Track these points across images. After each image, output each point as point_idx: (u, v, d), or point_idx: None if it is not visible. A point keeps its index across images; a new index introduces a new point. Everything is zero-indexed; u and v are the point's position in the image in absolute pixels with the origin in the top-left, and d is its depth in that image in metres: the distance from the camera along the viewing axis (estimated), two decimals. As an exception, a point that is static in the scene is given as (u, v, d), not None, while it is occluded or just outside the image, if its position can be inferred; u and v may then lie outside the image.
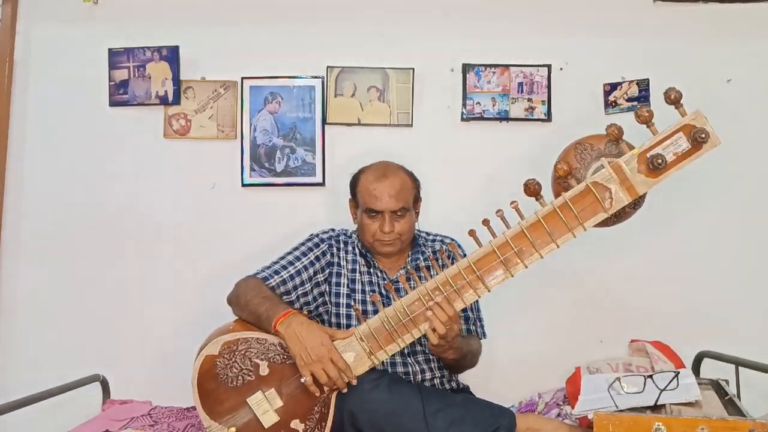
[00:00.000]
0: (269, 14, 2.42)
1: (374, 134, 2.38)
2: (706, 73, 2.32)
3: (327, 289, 1.94)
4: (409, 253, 2.01)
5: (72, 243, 2.40)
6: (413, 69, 2.38)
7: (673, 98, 1.55)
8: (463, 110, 2.38)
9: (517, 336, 2.33)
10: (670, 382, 1.68)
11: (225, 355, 1.71)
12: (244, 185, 2.39)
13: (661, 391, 1.66)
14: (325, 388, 1.68)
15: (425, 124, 2.39)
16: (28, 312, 2.40)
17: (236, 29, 2.42)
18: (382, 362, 1.75)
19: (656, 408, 1.64)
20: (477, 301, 2.00)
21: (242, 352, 1.71)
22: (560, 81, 2.36)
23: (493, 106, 2.36)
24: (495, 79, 2.37)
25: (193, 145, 2.41)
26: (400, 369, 1.89)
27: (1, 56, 2.40)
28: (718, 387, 1.84)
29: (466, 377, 2.08)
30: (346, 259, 1.97)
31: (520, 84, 2.36)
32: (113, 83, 2.41)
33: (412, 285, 1.72)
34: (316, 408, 1.68)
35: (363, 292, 1.94)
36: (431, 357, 1.93)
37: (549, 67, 2.36)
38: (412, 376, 1.90)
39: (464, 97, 2.38)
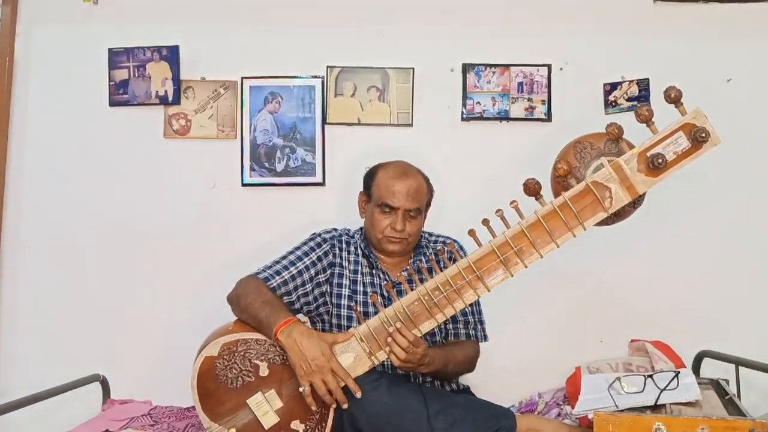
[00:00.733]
0: (269, 14, 2.42)
1: (374, 134, 2.38)
2: (706, 73, 2.32)
3: (328, 290, 1.93)
4: (412, 254, 2.00)
5: (72, 243, 2.40)
6: (413, 69, 2.38)
7: (673, 97, 1.54)
8: (463, 110, 2.38)
9: (518, 336, 2.33)
10: (670, 381, 1.68)
11: (224, 356, 1.70)
12: (244, 185, 2.39)
13: (661, 390, 1.66)
14: (320, 403, 1.67)
15: (425, 123, 2.39)
16: (28, 312, 2.40)
17: (236, 29, 2.42)
18: (383, 363, 1.75)
19: (656, 408, 1.63)
20: (478, 303, 2.01)
21: (242, 353, 1.71)
22: (560, 81, 2.36)
23: (493, 105, 2.36)
24: (495, 78, 2.37)
25: (193, 145, 2.41)
26: (399, 371, 1.88)
27: (1, 56, 2.40)
28: (718, 387, 1.84)
29: (466, 378, 2.08)
30: (348, 260, 1.97)
31: (520, 84, 2.36)
32: (113, 83, 2.41)
33: (413, 287, 1.71)
34: (316, 409, 1.68)
35: (365, 293, 1.93)
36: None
37: (549, 66, 2.36)
38: (412, 377, 1.89)
39: (464, 97, 2.38)
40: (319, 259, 1.93)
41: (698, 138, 1.54)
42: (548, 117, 2.35)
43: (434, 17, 2.40)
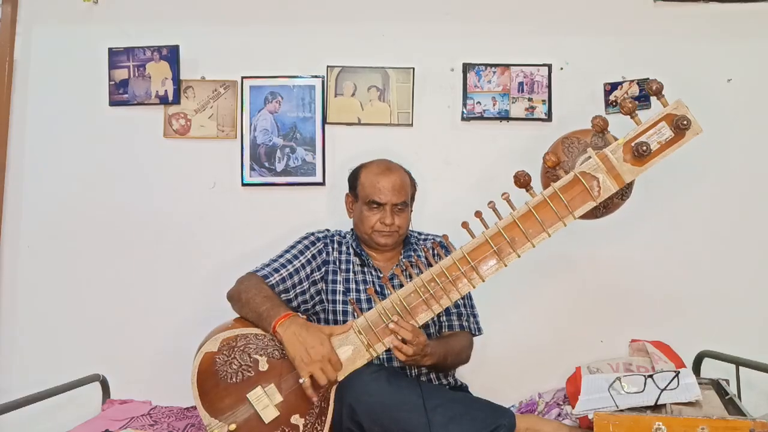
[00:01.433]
0: (269, 14, 2.42)
1: (374, 134, 2.38)
2: (706, 73, 2.32)
3: (323, 287, 1.96)
4: (402, 251, 2.03)
5: (72, 243, 2.40)
6: (413, 68, 2.38)
7: (655, 89, 1.58)
8: (464, 110, 2.38)
9: (518, 336, 2.33)
10: (671, 381, 1.68)
11: (224, 352, 1.71)
12: (244, 185, 2.39)
13: (662, 390, 1.66)
14: (321, 395, 1.68)
15: (425, 123, 2.39)
16: (28, 312, 2.40)
17: (236, 29, 2.42)
18: (380, 358, 1.74)
19: (656, 408, 1.63)
20: (470, 297, 2.04)
21: (241, 348, 1.72)
22: (561, 80, 2.36)
23: (494, 105, 2.36)
24: (495, 78, 2.37)
25: (193, 145, 2.41)
26: (396, 364, 1.89)
27: (1, 56, 2.40)
28: (718, 387, 1.84)
29: (465, 377, 2.08)
30: (340, 259, 1.99)
31: (521, 84, 2.36)
32: (113, 83, 2.41)
33: (408, 281, 1.73)
34: (315, 403, 1.68)
35: (357, 291, 1.95)
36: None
37: (549, 66, 2.36)
38: (409, 371, 1.90)
39: (464, 97, 2.38)
40: (314, 257, 1.96)
41: (680, 126, 1.57)
42: (549, 117, 2.35)
43: (434, 17, 2.40)
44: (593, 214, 1.69)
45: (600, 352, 2.21)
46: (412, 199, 2.05)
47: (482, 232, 1.69)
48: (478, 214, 1.69)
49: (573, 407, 1.76)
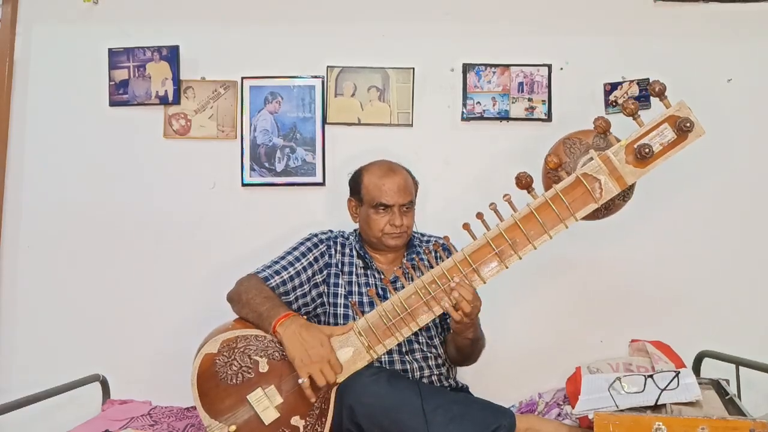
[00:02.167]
0: (269, 14, 2.42)
1: (374, 134, 2.38)
2: (706, 73, 2.32)
3: (325, 290, 1.95)
4: (405, 253, 2.02)
5: (72, 243, 2.40)
6: (413, 69, 2.38)
7: (658, 90, 1.57)
8: (464, 110, 2.38)
9: (518, 336, 2.33)
10: (671, 381, 1.68)
11: (224, 353, 1.71)
12: (244, 185, 2.39)
13: (662, 390, 1.66)
14: (320, 396, 1.68)
15: (425, 123, 2.39)
16: (28, 312, 2.39)
17: (236, 29, 2.42)
18: (380, 360, 1.74)
19: (657, 408, 1.63)
20: None
21: (241, 350, 1.71)
22: (561, 80, 2.36)
23: (494, 105, 2.36)
24: (495, 78, 2.37)
25: (193, 145, 2.41)
26: (398, 367, 1.89)
27: (1, 56, 2.40)
28: (718, 387, 1.83)
29: (465, 377, 2.08)
30: (343, 261, 1.98)
31: (521, 84, 2.36)
32: (113, 83, 2.41)
33: (409, 283, 1.73)
34: (315, 404, 1.68)
35: (360, 293, 1.94)
36: (429, 355, 1.94)
37: (549, 66, 2.36)
38: (410, 374, 1.90)
39: (464, 97, 2.38)
40: (316, 260, 1.95)
41: (683, 128, 1.57)
42: (548, 117, 2.35)
43: (435, 17, 2.40)
44: (594, 215, 1.69)
45: (600, 352, 2.20)
46: (415, 197, 2.05)
47: (483, 234, 1.68)
48: (479, 215, 1.68)
49: (573, 407, 1.75)
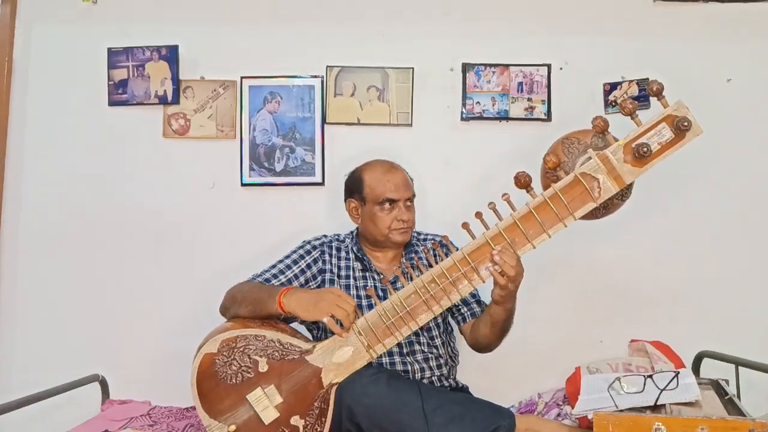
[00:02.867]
0: (269, 14, 2.42)
1: (374, 134, 2.38)
2: (706, 73, 2.32)
3: None
4: (403, 252, 2.02)
5: (71, 243, 2.40)
6: (413, 68, 2.38)
7: (655, 90, 1.58)
8: (463, 110, 2.38)
9: (518, 336, 2.31)
10: (670, 381, 1.68)
11: (224, 353, 1.71)
12: (243, 185, 2.39)
13: (661, 390, 1.65)
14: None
15: (425, 123, 2.39)
16: (28, 312, 2.39)
17: (236, 29, 2.42)
18: (381, 361, 1.74)
19: (656, 408, 1.63)
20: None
21: (241, 350, 1.71)
22: (560, 80, 2.36)
23: (493, 105, 2.36)
24: (495, 78, 2.37)
25: (192, 145, 2.41)
26: (399, 367, 1.89)
27: (1, 56, 2.41)
28: (718, 387, 1.83)
29: (465, 377, 2.08)
30: (339, 266, 1.98)
31: (520, 84, 2.36)
32: (112, 83, 2.41)
33: (409, 282, 1.73)
34: (315, 404, 1.68)
35: (358, 297, 1.94)
36: (430, 356, 1.94)
37: (549, 66, 2.36)
38: (411, 375, 1.90)
39: (464, 97, 2.37)
40: (309, 266, 1.96)
41: (681, 127, 1.57)
42: (548, 117, 2.35)
43: (434, 17, 2.40)
44: (593, 214, 1.69)
45: (600, 352, 2.20)
46: None
47: (483, 233, 1.68)
48: (478, 215, 1.68)
49: (572, 407, 1.75)
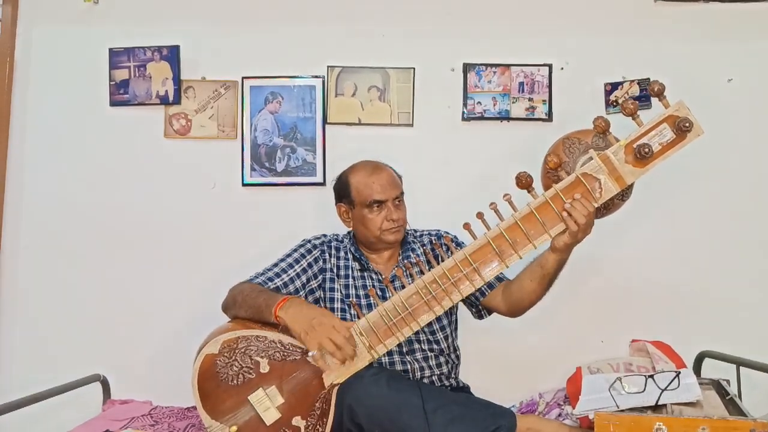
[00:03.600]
0: (269, 14, 2.43)
1: (375, 134, 2.39)
2: (706, 73, 2.32)
3: (321, 296, 1.95)
4: (400, 251, 2.02)
5: (72, 243, 2.40)
6: (414, 69, 2.38)
7: (657, 90, 1.57)
8: (464, 110, 2.38)
9: (518, 336, 2.33)
10: (671, 381, 1.68)
11: (225, 354, 1.71)
12: (244, 185, 2.39)
13: (662, 390, 1.66)
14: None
15: (426, 123, 2.39)
16: (28, 312, 2.40)
17: (236, 29, 2.42)
18: (380, 361, 1.74)
19: (657, 408, 1.63)
20: None
21: (242, 350, 1.71)
22: (561, 80, 2.36)
23: (494, 105, 2.36)
24: (496, 78, 2.37)
25: (193, 145, 2.41)
26: (398, 367, 1.89)
27: (2, 56, 2.41)
28: (719, 387, 1.83)
29: (466, 377, 2.08)
30: (338, 265, 1.99)
31: (521, 84, 2.36)
32: (114, 83, 2.41)
33: (410, 282, 1.73)
34: (317, 404, 1.68)
35: (357, 296, 1.94)
36: (429, 355, 1.94)
37: (550, 66, 2.36)
38: (411, 374, 1.90)
39: (465, 97, 2.38)
40: (310, 265, 1.96)
41: (682, 128, 1.57)
42: (549, 117, 2.35)
43: (435, 17, 2.40)
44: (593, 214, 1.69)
45: (600, 352, 2.20)
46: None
47: (484, 234, 1.68)
48: (479, 215, 1.68)
49: (573, 407, 1.75)
